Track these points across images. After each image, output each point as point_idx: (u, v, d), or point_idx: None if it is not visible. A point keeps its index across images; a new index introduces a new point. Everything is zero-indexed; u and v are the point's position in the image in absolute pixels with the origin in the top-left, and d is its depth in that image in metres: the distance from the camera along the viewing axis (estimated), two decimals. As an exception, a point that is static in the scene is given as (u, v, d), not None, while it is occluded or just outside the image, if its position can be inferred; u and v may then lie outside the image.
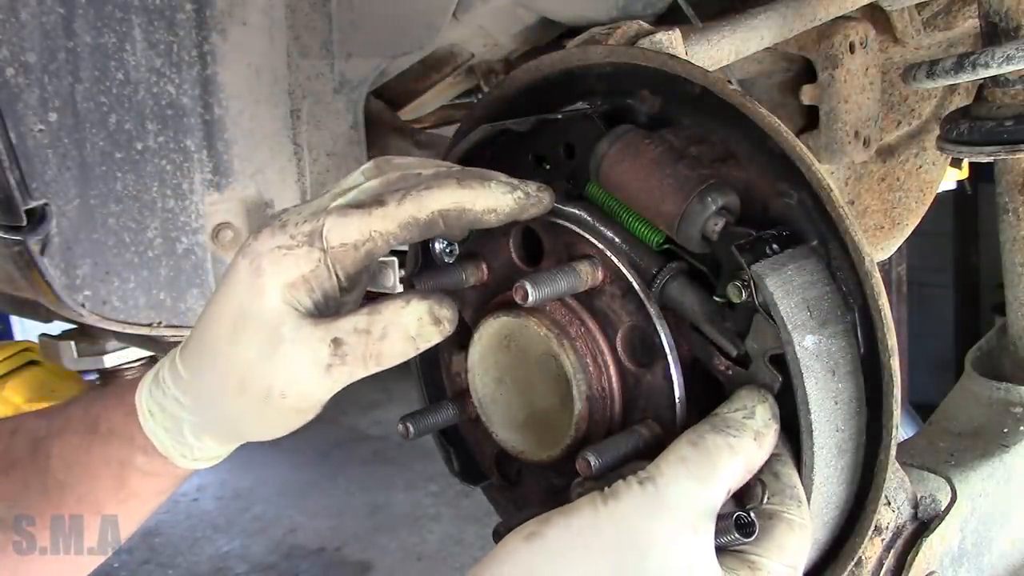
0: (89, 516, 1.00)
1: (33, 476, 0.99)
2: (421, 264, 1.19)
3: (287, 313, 0.88)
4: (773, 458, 0.89)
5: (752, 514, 0.84)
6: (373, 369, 0.89)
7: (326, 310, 0.91)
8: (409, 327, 0.89)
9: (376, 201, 0.89)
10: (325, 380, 0.88)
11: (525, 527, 0.82)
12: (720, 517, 0.83)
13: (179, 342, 0.99)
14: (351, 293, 0.94)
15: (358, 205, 0.90)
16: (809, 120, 1.80)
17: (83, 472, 0.98)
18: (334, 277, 0.90)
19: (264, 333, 0.88)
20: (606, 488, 0.83)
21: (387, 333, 0.88)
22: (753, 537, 0.83)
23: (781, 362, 0.90)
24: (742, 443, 0.86)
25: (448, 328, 0.92)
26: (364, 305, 0.91)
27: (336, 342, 0.87)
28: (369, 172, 0.97)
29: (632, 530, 0.80)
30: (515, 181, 0.94)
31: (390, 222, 0.88)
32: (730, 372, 0.94)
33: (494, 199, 0.91)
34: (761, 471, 0.88)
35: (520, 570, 0.80)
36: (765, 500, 0.86)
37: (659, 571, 0.78)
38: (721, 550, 0.82)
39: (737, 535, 0.82)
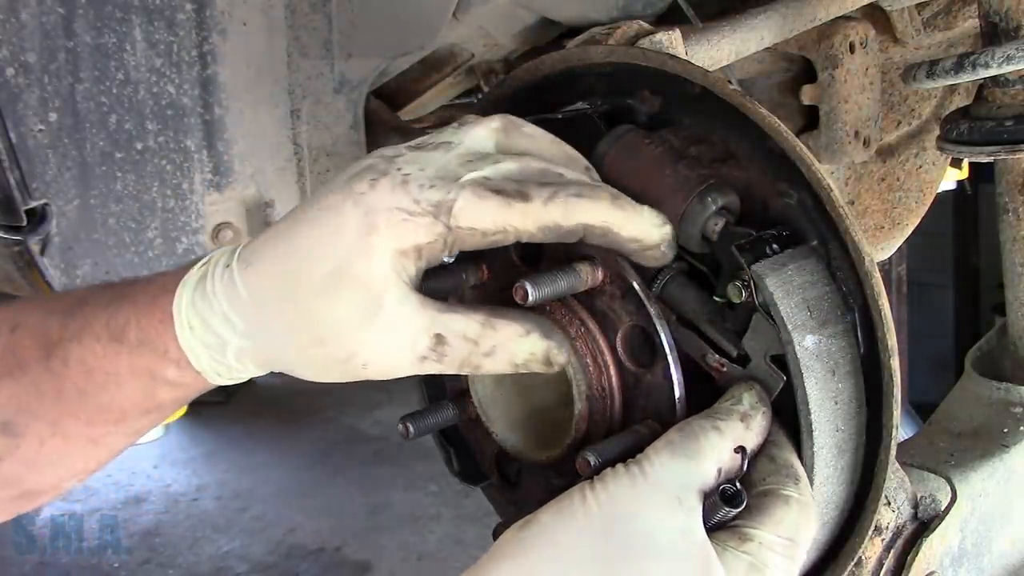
0: (106, 427, 0.93)
1: (47, 382, 0.89)
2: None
3: (394, 283, 0.80)
4: (769, 443, 0.88)
5: (738, 484, 0.84)
6: (464, 373, 0.87)
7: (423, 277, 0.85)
8: (518, 356, 0.86)
9: (519, 193, 0.82)
10: (413, 367, 0.83)
11: (520, 520, 0.82)
12: (709, 495, 0.82)
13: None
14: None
15: (497, 190, 0.81)
16: (809, 120, 1.80)
17: (107, 381, 0.88)
18: (447, 253, 0.84)
19: (364, 298, 0.79)
20: (595, 477, 0.84)
21: (495, 352, 0.84)
22: (740, 507, 0.82)
23: (781, 362, 0.90)
24: (728, 425, 0.85)
25: (550, 369, 0.88)
26: (479, 309, 0.86)
27: (439, 338, 0.82)
28: (499, 139, 0.88)
29: (619, 507, 0.80)
30: (663, 218, 0.89)
31: (530, 221, 0.82)
32: (724, 369, 0.94)
33: (644, 230, 0.86)
34: (757, 456, 0.88)
35: (513, 553, 0.79)
36: (762, 481, 0.86)
37: (646, 544, 0.77)
38: (716, 528, 0.82)
39: (725, 507, 0.82)
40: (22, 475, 0.97)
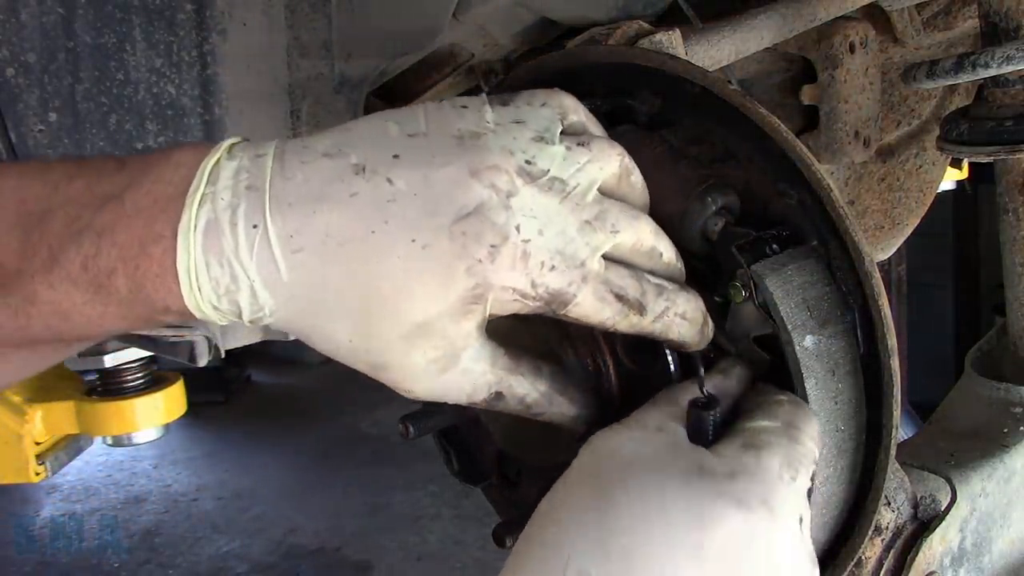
0: (63, 347, 0.81)
1: (7, 320, 0.73)
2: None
3: (476, 338, 0.75)
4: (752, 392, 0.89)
5: (706, 390, 0.84)
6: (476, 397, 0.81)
7: None
8: (555, 420, 0.89)
9: (638, 305, 0.78)
10: (461, 403, 0.80)
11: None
12: (688, 415, 0.82)
13: (179, 342, 0.86)
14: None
15: (619, 296, 0.77)
16: (809, 120, 1.80)
17: (89, 326, 0.73)
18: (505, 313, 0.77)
19: (443, 352, 0.74)
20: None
21: (540, 415, 0.86)
22: (717, 406, 0.81)
23: (769, 347, 0.90)
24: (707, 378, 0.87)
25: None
26: (543, 374, 0.84)
27: (498, 395, 0.80)
28: (612, 184, 0.81)
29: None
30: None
31: (627, 326, 0.80)
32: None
33: (696, 342, 0.85)
34: (743, 397, 0.88)
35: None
36: (751, 405, 0.86)
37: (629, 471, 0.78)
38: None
39: (704, 412, 0.81)
40: None
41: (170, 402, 2.90)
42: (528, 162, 0.74)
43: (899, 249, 2.32)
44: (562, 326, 1.01)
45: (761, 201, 0.96)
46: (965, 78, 1.37)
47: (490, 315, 0.74)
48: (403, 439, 1.11)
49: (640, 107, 1.03)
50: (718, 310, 0.95)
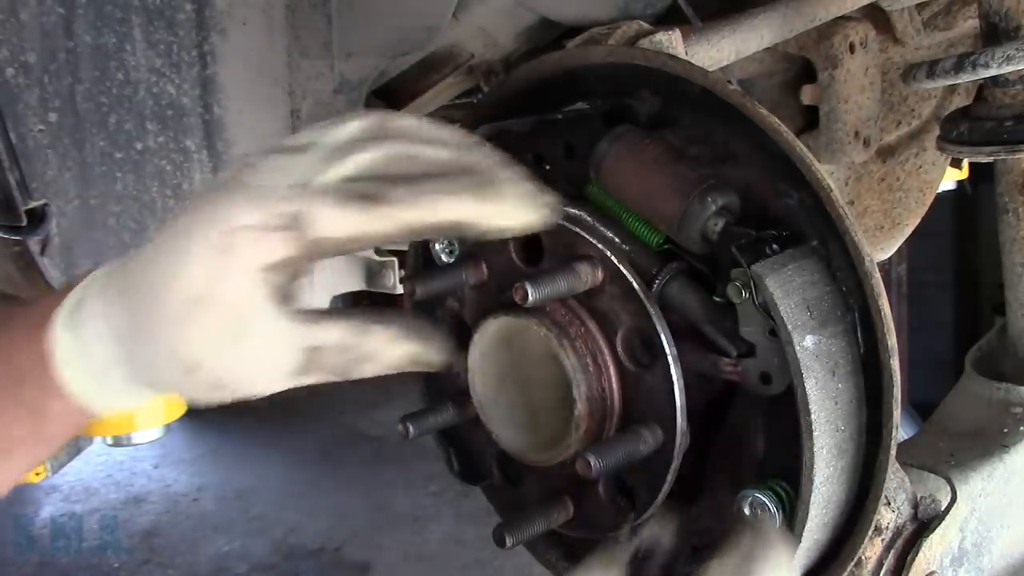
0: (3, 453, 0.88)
1: None
2: (421, 264, 1.19)
3: (258, 302, 0.76)
4: None
5: (640, 548, 0.90)
6: (341, 379, 0.81)
7: (288, 289, 0.79)
8: (392, 360, 0.81)
9: (376, 196, 0.78)
10: (289, 381, 0.80)
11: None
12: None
13: None
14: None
15: (352, 194, 0.78)
16: (809, 120, 1.80)
17: None
18: (313, 263, 0.80)
19: (227, 322, 0.76)
20: None
21: (370, 358, 0.80)
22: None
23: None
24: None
25: (430, 368, 0.84)
26: (352, 316, 0.81)
27: (314, 351, 0.78)
28: (367, 133, 0.83)
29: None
30: (530, 191, 0.81)
31: (390, 224, 0.78)
32: (739, 368, 0.95)
33: (510, 219, 0.79)
34: None
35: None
36: None
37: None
38: None
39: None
40: None
41: (170, 402, 2.90)
42: (280, 147, 0.82)
43: (899, 249, 2.32)
44: (562, 327, 1.01)
45: (761, 201, 0.96)
46: (965, 78, 1.37)
47: (257, 268, 0.75)
48: (403, 439, 1.11)
49: (640, 107, 1.03)
50: (719, 310, 0.95)
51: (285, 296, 0.78)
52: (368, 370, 0.81)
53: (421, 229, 0.79)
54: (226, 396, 0.81)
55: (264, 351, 0.77)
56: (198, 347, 0.77)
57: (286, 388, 0.80)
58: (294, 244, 0.76)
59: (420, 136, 0.83)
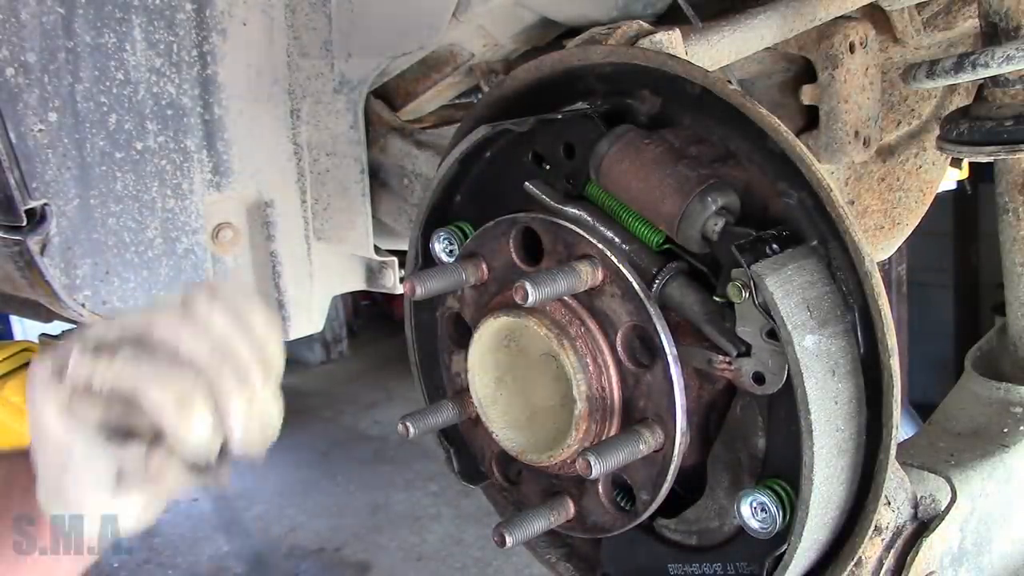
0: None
1: None
2: (421, 263, 1.19)
3: (71, 436, 0.90)
4: None
5: None
6: (156, 500, 0.92)
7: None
8: (177, 476, 0.89)
9: (110, 349, 0.89)
10: (112, 502, 0.91)
11: None
12: None
13: None
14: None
15: (104, 346, 0.89)
16: (809, 120, 1.79)
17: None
18: (87, 406, 0.90)
19: (60, 456, 0.92)
20: None
21: (160, 476, 0.89)
22: None
23: (778, 336, 0.90)
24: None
25: (203, 478, 0.91)
26: (143, 437, 0.90)
27: (119, 473, 0.89)
28: (180, 301, 0.93)
29: None
30: (222, 433, 0.89)
31: (107, 379, 0.88)
32: (733, 367, 0.95)
33: (181, 441, 0.87)
34: None
35: None
36: None
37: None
38: None
39: None
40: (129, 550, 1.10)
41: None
42: None
43: (899, 249, 2.32)
44: (562, 327, 1.01)
45: (761, 201, 0.96)
46: (965, 78, 1.37)
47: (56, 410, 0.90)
48: (403, 439, 1.11)
49: (640, 107, 1.03)
50: (719, 310, 0.95)
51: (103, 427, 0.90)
52: (171, 483, 0.91)
53: (123, 397, 0.87)
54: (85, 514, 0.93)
55: (81, 478, 0.91)
56: (50, 480, 0.94)
57: (118, 508, 0.92)
58: (58, 388, 0.90)
59: (201, 314, 0.91)
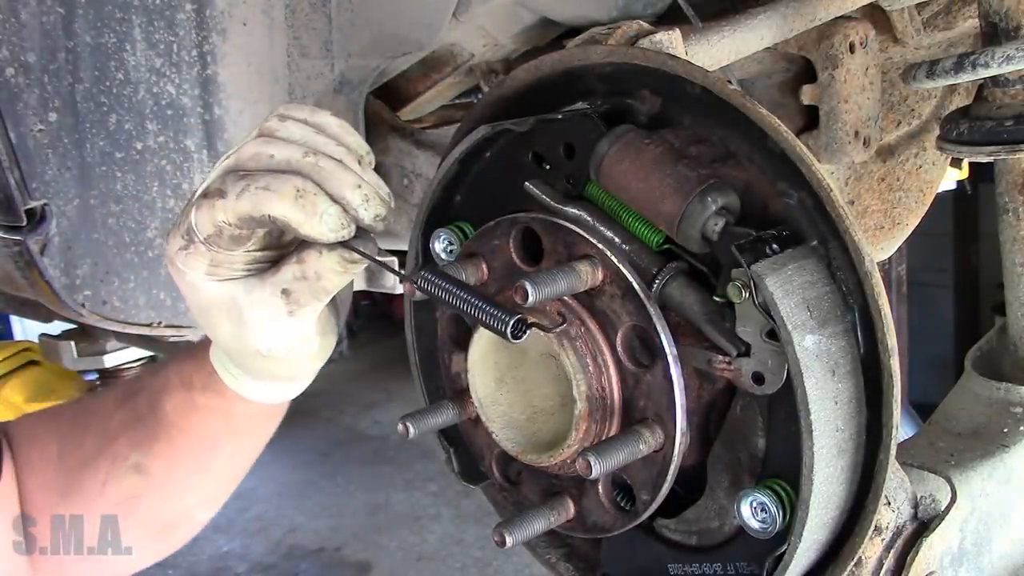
0: (207, 454, 1.17)
1: (156, 425, 1.16)
2: (421, 263, 1.19)
3: (230, 287, 0.97)
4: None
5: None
6: (325, 300, 0.98)
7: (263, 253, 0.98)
8: (335, 266, 0.96)
9: (218, 191, 0.93)
10: (292, 322, 0.98)
11: None
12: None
13: (179, 341, 1.01)
14: (261, 232, 0.97)
15: (206, 193, 0.94)
16: (809, 120, 1.80)
17: (196, 418, 1.14)
18: (231, 248, 0.95)
19: (225, 312, 0.98)
20: None
21: (320, 275, 0.96)
22: None
23: (778, 337, 0.90)
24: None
25: (361, 263, 0.97)
26: (292, 255, 0.97)
27: (285, 292, 0.96)
28: (255, 131, 0.98)
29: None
30: (343, 219, 0.93)
31: (231, 215, 0.92)
32: (733, 367, 0.95)
33: (317, 231, 0.92)
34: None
35: None
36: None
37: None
38: None
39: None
40: (157, 509, 1.22)
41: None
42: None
43: (899, 249, 2.32)
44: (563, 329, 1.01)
45: (761, 201, 0.96)
46: (965, 78, 1.37)
47: (206, 273, 0.97)
48: (403, 439, 1.11)
49: (640, 107, 1.03)
50: (719, 310, 0.95)
51: (259, 272, 0.98)
52: (328, 283, 0.96)
53: (253, 220, 0.92)
54: (279, 361, 1.02)
55: (256, 313, 0.97)
56: (225, 338, 1.02)
57: (303, 331, 1.00)
58: (201, 250, 0.96)
59: (275, 129, 0.97)
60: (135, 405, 1.19)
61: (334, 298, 1.04)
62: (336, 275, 0.96)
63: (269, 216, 0.91)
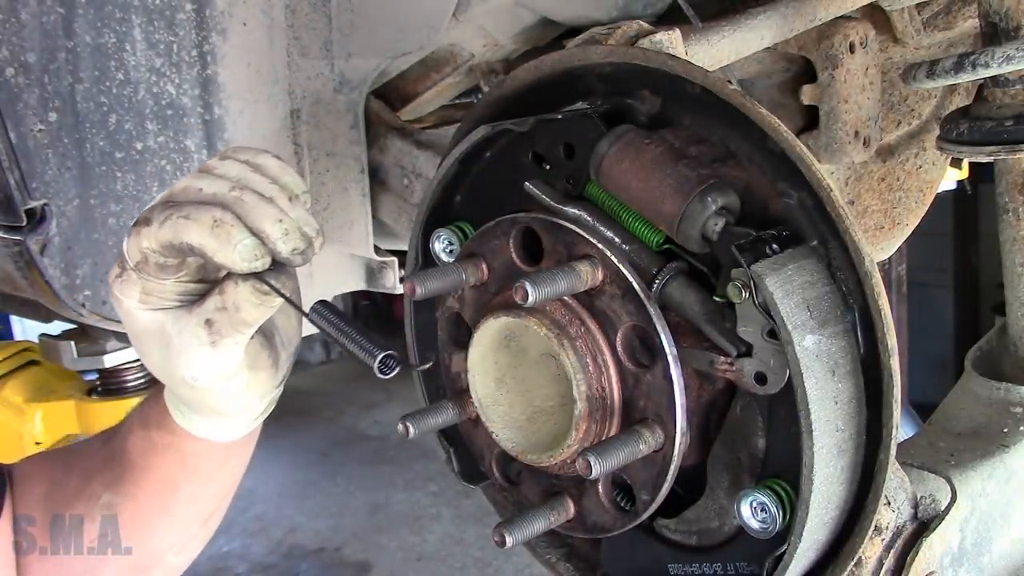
0: (168, 496, 1.18)
1: (123, 465, 1.18)
2: (421, 263, 1.19)
3: (161, 316, 1.00)
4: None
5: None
6: (247, 332, 1.00)
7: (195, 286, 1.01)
8: (250, 297, 0.97)
9: (144, 220, 0.96)
10: (216, 353, 0.99)
11: None
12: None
13: None
14: (193, 264, 1.00)
15: (135, 222, 0.98)
16: (809, 120, 1.79)
17: (153, 456, 1.16)
18: (160, 276, 0.98)
19: (155, 340, 1.02)
20: None
21: (238, 306, 0.97)
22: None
23: (778, 336, 0.90)
24: None
25: (275, 295, 0.98)
26: (213, 289, 1.00)
27: (208, 322, 0.98)
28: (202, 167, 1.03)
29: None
30: (267, 249, 0.95)
31: (153, 241, 0.95)
32: (735, 368, 0.95)
33: (230, 260, 0.94)
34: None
35: None
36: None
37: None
38: None
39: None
40: (128, 550, 1.22)
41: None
42: None
43: (899, 249, 2.32)
44: (562, 327, 1.01)
45: (761, 201, 0.96)
46: (965, 78, 1.37)
47: (140, 302, 1.00)
48: (403, 439, 1.11)
49: (640, 107, 1.03)
50: (719, 310, 0.95)
51: (189, 300, 1.00)
52: (248, 315, 0.98)
53: (174, 248, 0.95)
54: (207, 393, 1.04)
55: (182, 341, 0.99)
56: (156, 364, 1.04)
57: (227, 363, 1.01)
58: (133, 277, 0.99)
59: (213, 167, 1.00)
60: (111, 445, 1.21)
61: (272, 335, 1.07)
62: (253, 307, 0.97)
63: (188, 244, 0.94)
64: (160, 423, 1.14)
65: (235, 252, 0.93)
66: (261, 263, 0.95)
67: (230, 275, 0.97)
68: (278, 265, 0.96)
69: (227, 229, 0.93)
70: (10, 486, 1.24)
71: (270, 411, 1.14)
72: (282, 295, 0.97)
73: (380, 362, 0.95)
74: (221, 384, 1.03)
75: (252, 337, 1.02)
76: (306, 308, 1.02)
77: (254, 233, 0.94)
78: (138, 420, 1.18)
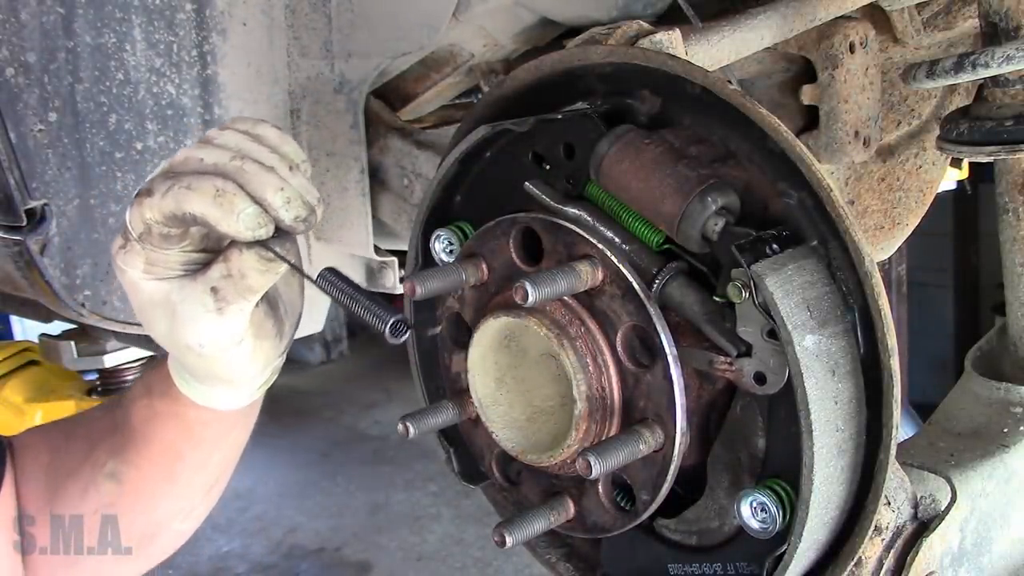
0: (174, 463, 1.19)
1: (127, 434, 1.19)
2: (421, 263, 1.19)
3: (165, 285, 1.01)
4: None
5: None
6: (252, 299, 1.00)
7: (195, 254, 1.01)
8: (255, 264, 0.98)
9: (146, 191, 0.97)
10: (222, 320, 1.00)
11: None
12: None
13: None
14: (196, 234, 1.01)
15: (137, 192, 0.98)
16: (809, 120, 1.79)
17: (157, 424, 1.16)
18: (164, 247, 0.99)
19: (160, 309, 1.02)
20: None
21: (244, 273, 0.98)
22: None
23: (778, 336, 0.90)
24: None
25: (280, 262, 0.99)
26: (220, 254, 1.01)
27: (214, 290, 0.99)
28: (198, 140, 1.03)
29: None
30: (262, 218, 0.95)
31: (156, 212, 0.96)
32: (734, 368, 0.95)
33: (234, 229, 0.94)
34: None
35: None
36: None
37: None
38: None
39: None
40: (132, 519, 1.23)
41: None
42: None
43: (899, 249, 2.32)
44: (562, 327, 1.01)
45: (761, 201, 0.96)
46: (965, 78, 1.37)
47: (144, 272, 1.01)
48: (403, 439, 1.11)
49: (640, 107, 1.03)
50: (719, 310, 0.95)
51: (194, 269, 1.01)
52: (254, 281, 0.99)
53: (177, 218, 0.95)
54: (214, 359, 1.04)
55: (188, 309, 1.00)
56: (162, 334, 1.04)
57: (233, 330, 1.01)
58: (137, 248, 0.99)
59: (213, 137, 1.01)
60: (114, 414, 1.22)
61: (276, 304, 1.07)
62: (258, 273, 0.98)
63: (191, 214, 0.94)
64: (164, 392, 1.14)
65: (239, 221, 0.94)
66: (265, 231, 0.95)
67: (234, 243, 0.98)
68: (281, 233, 0.97)
69: (229, 198, 0.94)
70: (11, 456, 1.25)
71: (272, 380, 1.15)
72: (287, 261, 0.98)
73: (391, 326, 0.95)
74: (227, 351, 1.03)
75: (257, 306, 1.03)
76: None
77: (256, 202, 0.94)
78: (142, 389, 1.19)
